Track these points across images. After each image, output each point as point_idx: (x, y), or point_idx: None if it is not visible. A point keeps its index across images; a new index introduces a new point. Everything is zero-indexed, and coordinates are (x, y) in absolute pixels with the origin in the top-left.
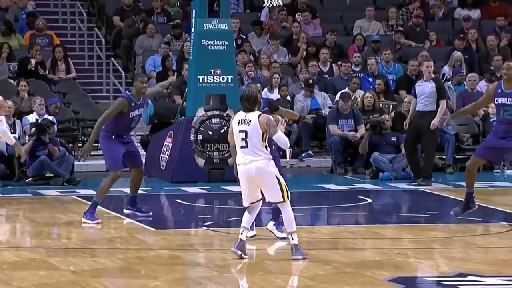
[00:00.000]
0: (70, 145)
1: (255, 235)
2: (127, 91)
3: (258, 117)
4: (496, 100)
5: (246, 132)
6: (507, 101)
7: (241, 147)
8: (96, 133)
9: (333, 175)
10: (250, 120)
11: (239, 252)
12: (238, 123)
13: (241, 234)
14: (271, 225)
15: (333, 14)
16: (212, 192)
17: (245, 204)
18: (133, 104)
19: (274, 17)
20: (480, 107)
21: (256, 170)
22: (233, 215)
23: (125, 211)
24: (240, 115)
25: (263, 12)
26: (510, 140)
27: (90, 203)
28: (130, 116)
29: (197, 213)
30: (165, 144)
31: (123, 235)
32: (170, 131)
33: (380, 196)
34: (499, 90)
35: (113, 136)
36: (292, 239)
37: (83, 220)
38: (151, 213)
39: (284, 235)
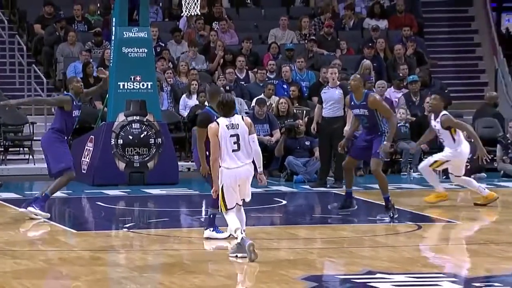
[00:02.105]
0: None
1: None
2: (66, 92)
3: (242, 118)
4: (353, 112)
5: (237, 136)
6: (360, 111)
7: (233, 150)
8: (23, 103)
9: None
10: (238, 124)
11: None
12: (227, 127)
13: (242, 234)
14: (208, 232)
15: (248, 23)
16: (132, 195)
17: (231, 205)
18: (74, 103)
19: (192, 25)
20: (350, 115)
21: (247, 172)
22: (153, 217)
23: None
24: (224, 121)
25: (181, 21)
26: (370, 145)
27: (41, 196)
28: (73, 115)
29: (118, 215)
30: (86, 149)
31: (44, 237)
32: (91, 136)
33: (294, 198)
34: (352, 102)
35: (60, 137)
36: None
37: (31, 209)
38: (49, 215)
39: (225, 235)
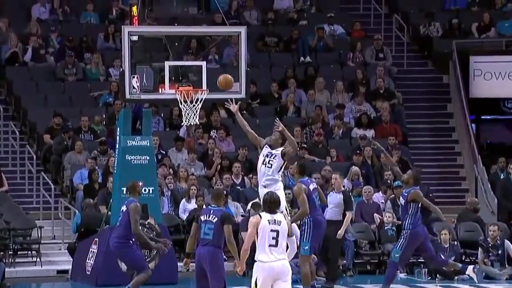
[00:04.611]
0: (1, 253)
1: None
2: (133, 199)
3: (284, 218)
4: None
5: (277, 232)
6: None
7: (270, 245)
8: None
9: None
10: (280, 221)
11: None
12: (269, 222)
13: None
14: None
15: (244, 132)
16: None
17: None
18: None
19: (191, 134)
20: None
21: (282, 268)
22: None
23: None
24: (267, 216)
25: (181, 130)
26: None
27: None
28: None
29: None
30: (91, 251)
31: None
32: (95, 239)
33: None
34: None
35: (131, 242)
36: None
37: None
38: None
39: None
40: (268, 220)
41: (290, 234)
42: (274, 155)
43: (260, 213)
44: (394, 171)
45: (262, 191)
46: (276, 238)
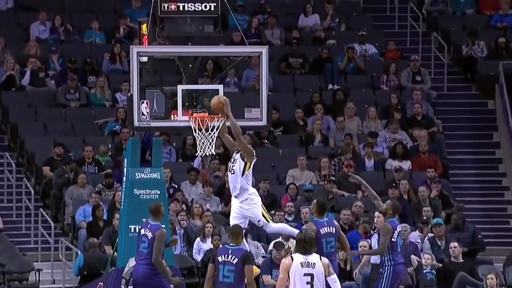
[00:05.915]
0: None
1: None
2: (158, 223)
3: (320, 259)
4: None
5: (312, 276)
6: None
7: None
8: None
9: None
10: (315, 263)
11: None
12: (302, 265)
13: None
14: None
15: (266, 163)
16: None
17: None
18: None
19: (206, 166)
20: None
21: None
22: None
23: None
24: (300, 258)
25: (195, 161)
26: None
27: None
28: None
29: None
30: None
31: None
32: (100, 283)
33: None
34: None
35: None
36: None
37: None
38: None
39: None
40: (301, 262)
41: (329, 273)
42: (234, 160)
43: (293, 255)
44: (376, 204)
45: (233, 202)
46: (310, 283)
